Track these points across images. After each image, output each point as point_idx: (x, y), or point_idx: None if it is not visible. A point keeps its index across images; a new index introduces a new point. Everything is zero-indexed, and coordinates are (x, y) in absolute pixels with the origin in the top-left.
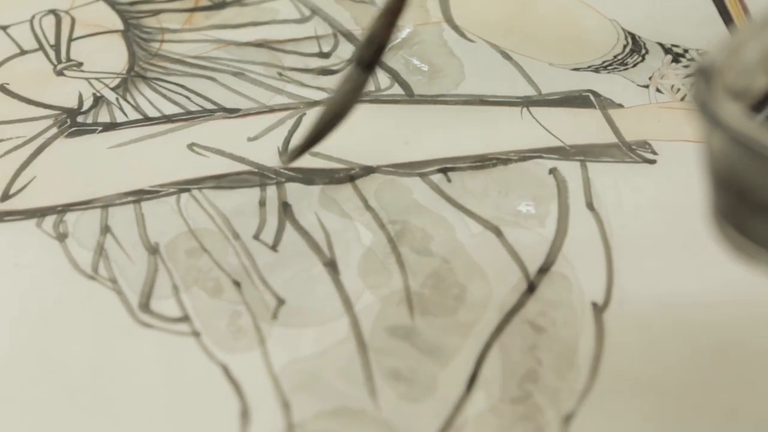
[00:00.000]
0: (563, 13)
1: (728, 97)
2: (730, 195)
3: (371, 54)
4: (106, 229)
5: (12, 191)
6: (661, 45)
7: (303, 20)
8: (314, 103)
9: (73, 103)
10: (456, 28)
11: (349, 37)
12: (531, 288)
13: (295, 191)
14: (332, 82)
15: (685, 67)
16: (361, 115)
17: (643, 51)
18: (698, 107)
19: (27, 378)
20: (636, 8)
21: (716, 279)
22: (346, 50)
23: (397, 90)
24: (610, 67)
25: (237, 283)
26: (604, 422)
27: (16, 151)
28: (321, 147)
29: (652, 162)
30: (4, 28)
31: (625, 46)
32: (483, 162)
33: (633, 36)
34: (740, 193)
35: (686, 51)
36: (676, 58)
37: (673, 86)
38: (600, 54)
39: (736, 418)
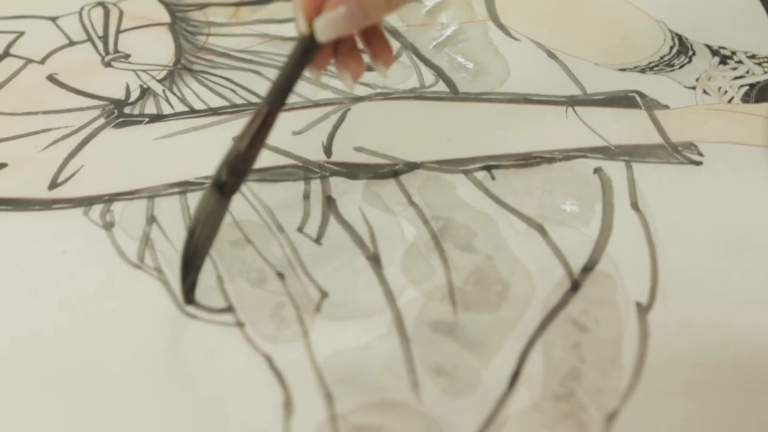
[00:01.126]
0: (609, 13)
1: None
2: None
3: (232, 178)
4: (152, 219)
5: (60, 179)
6: (709, 47)
7: None
8: (358, 99)
9: (120, 95)
10: (501, 26)
11: (393, 33)
12: (575, 286)
13: (339, 185)
14: (377, 78)
15: (733, 69)
16: (405, 111)
17: (690, 53)
18: None
19: (72, 363)
20: (683, 10)
21: (762, 281)
22: None
23: (441, 87)
24: (656, 68)
25: (281, 275)
26: (647, 422)
27: (64, 141)
28: (367, 142)
29: (698, 164)
30: (54, 19)
31: (671, 48)
32: (527, 160)
33: (680, 37)
34: None
35: (734, 53)
36: (724, 60)
37: (720, 88)
38: (646, 55)
39: None
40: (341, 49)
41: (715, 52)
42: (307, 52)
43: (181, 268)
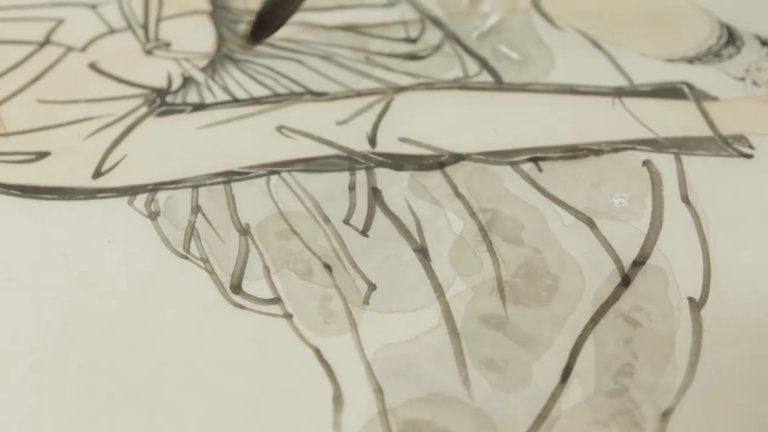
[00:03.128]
0: (656, 2)
1: None
2: None
3: None
4: (197, 209)
5: (104, 168)
6: (758, 37)
7: (390, 5)
8: (401, 89)
9: (162, 83)
10: (545, 15)
11: (436, 22)
12: (626, 281)
13: (384, 176)
14: (420, 67)
15: None
16: (449, 101)
17: (739, 43)
18: None
19: (120, 350)
20: None
21: None
22: (433, 36)
23: (485, 77)
24: (704, 59)
25: (328, 267)
26: (703, 419)
27: (107, 129)
28: (411, 133)
29: (749, 156)
30: (93, 6)
31: (719, 38)
32: (574, 152)
33: (728, 28)
34: None
35: None
36: None
37: None
38: (694, 45)
39: None
40: None
41: (764, 43)
42: None
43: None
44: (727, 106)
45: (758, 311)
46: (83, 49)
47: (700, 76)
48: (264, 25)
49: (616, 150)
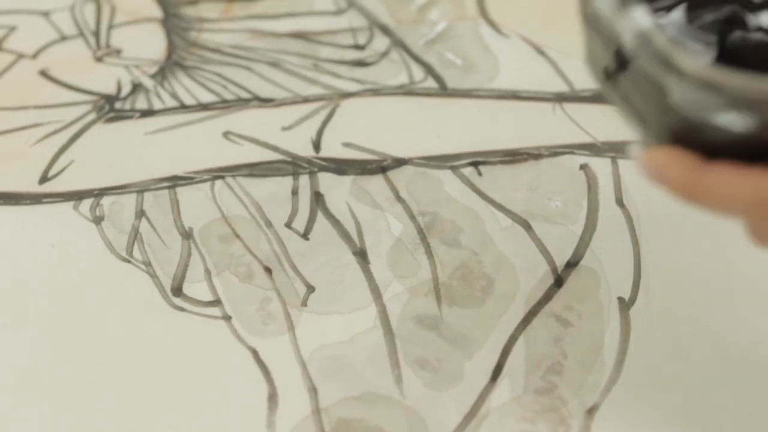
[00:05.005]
0: None
1: None
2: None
3: None
4: (141, 214)
5: (51, 174)
6: None
7: (339, 12)
8: (347, 95)
9: (111, 90)
10: (491, 23)
11: (384, 30)
12: (558, 282)
13: (327, 181)
14: (367, 74)
15: None
16: (394, 107)
17: None
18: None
19: (61, 354)
20: None
21: (744, 278)
22: (381, 43)
23: (431, 83)
24: None
25: (268, 270)
26: (627, 416)
27: (56, 135)
28: (355, 138)
29: None
30: (46, 14)
31: None
32: (514, 156)
33: None
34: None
35: None
36: None
37: None
38: None
39: (761, 417)
40: None
41: None
42: None
43: None
44: None
45: (685, 311)
46: (34, 56)
47: None
48: None
49: (555, 154)
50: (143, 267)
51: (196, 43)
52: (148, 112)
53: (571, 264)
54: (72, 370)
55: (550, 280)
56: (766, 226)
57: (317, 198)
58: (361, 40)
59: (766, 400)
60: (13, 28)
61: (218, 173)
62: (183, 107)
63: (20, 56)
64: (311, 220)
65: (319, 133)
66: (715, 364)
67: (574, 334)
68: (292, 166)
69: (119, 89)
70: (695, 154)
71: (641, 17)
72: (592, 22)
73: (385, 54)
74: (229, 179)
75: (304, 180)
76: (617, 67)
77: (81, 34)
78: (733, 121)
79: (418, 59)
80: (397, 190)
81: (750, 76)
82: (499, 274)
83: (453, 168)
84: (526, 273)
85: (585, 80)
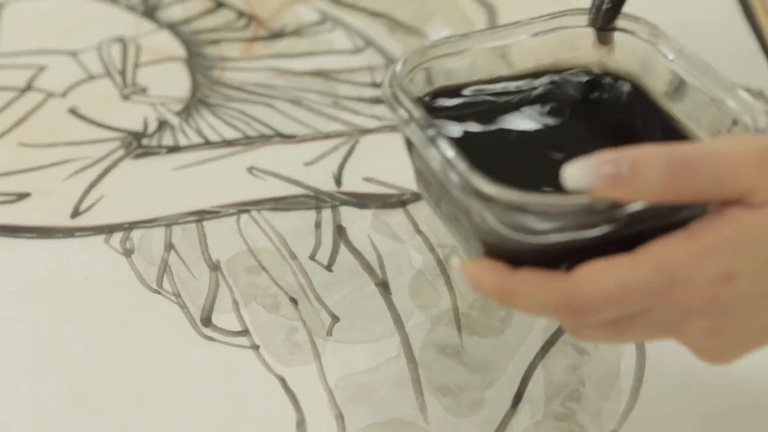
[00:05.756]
0: None
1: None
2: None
3: None
4: (170, 246)
5: (82, 208)
6: None
7: (357, 51)
8: (366, 131)
9: (138, 127)
10: None
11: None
12: None
13: (349, 214)
14: (385, 111)
15: None
16: None
17: None
18: (384, 85)
19: (95, 383)
20: None
21: None
22: None
23: None
24: None
25: (294, 300)
26: None
27: (86, 171)
28: (375, 173)
29: None
30: (74, 54)
31: None
32: None
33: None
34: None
35: None
36: None
37: None
38: None
39: None
40: None
41: None
42: None
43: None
44: None
45: None
46: (63, 94)
47: None
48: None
49: None
50: (173, 298)
51: (219, 82)
52: (174, 149)
53: None
54: (106, 399)
55: None
56: (574, 324)
57: (340, 231)
58: (379, 78)
59: None
60: (42, 68)
61: (243, 207)
62: (208, 143)
63: (50, 95)
64: (334, 252)
65: (340, 168)
66: (730, 393)
67: (591, 362)
68: (315, 200)
69: (146, 126)
70: (504, 263)
71: (445, 147)
72: (413, 151)
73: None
74: (254, 213)
75: (326, 214)
76: (437, 189)
77: (108, 73)
78: (529, 236)
79: None
80: (417, 223)
81: (534, 195)
82: None
83: None
84: None
85: None
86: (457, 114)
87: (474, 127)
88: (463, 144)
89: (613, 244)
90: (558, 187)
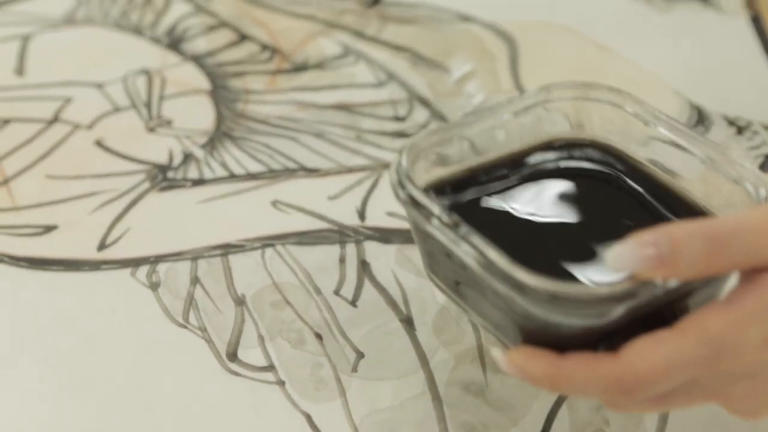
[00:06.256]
0: (630, 83)
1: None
2: (423, 246)
3: None
4: (195, 280)
5: (108, 241)
6: (725, 117)
7: (379, 85)
8: (389, 165)
9: (164, 159)
10: None
11: (424, 102)
12: None
13: (373, 249)
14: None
15: (749, 139)
16: None
17: (708, 122)
18: (394, 184)
19: (123, 417)
20: (701, 80)
21: None
22: (421, 115)
23: None
24: None
25: (319, 336)
26: None
27: (112, 204)
28: (399, 208)
29: None
30: (100, 86)
31: (689, 118)
32: None
33: (699, 109)
34: (424, 242)
35: (750, 123)
36: (740, 131)
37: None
38: None
39: None
40: None
41: (731, 122)
42: None
43: None
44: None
45: None
46: (90, 126)
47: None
48: None
49: None
50: (199, 332)
51: (243, 114)
52: (199, 181)
53: None
54: (134, 430)
55: None
56: (620, 401)
57: (364, 266)
58: (401, 112)
59: None
60: (68, 100)
61: (268, 241)
62: (232, 176)
63: (76, 127)
64: (359, 287)
65: (364, 202)
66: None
67: None
68: (339, 234)
69: (171, 159)
70: (548, 349)
71: (481, 245)
72: (429, 241)
73: (424, 126)
74: (279, 247)
75: (350, 248)
76: (464, 281)
77: (133, 105)
78: (575, 321)
79: None
80: None
81: (583, 286)
82: None
83: None
84: None
85: None
86: (466, 201)
87: (488, 213)
88: (485, 232)
89: (650, 316)
90: (592, 266)
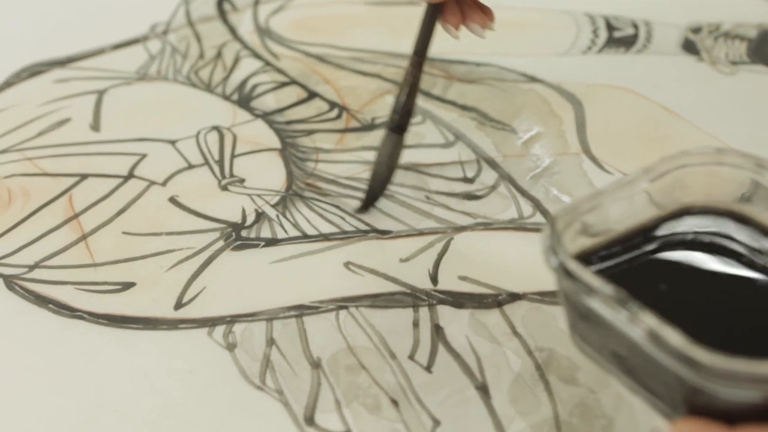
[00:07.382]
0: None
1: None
2: (574, 314)
3: (400, 119)
4: (271, 342)
5: (185, 300)
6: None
7: (447, 145)
8: (460, 228)
9: (237, 218)
10: (594, 159)
11: (491, 163)
12: None
13: (446, 314)
14: (477, 207)
15: None
16: (506, 241)
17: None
18: (546, 255)
19: None
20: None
21: None
22: (489, 176)
23: (538, 218)
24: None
25: (395, 402)
26: None
27: (187, 262)
28: (470, 272)
29: None
30: (173, 142)
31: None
32: None
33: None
34: (576, 310)
35: None
36: None
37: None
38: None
39: None
40: (464, 7)
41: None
42: (434, 11)
43: (367, 195)
44: None
45: None
46: (164, 183)
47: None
48: (373, 198)
49: None
50: (276, 395)
51: (313, 174)
52: (272, 241)
53: None
54: None
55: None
56: None
57: (437, 331)
58: (470, 173)
59: None
60: (143, 156)
61: (342, 303)
62: (305, 237)
63: (151, 183)
64: (433, 352)
65: (436, 265)
66: None
67: None
68: (412, 297)
69: (244, 218)
70: (715, 418)
71: (653, 323)
72: (584, 311)
73: (494, 187)
74: (353, 309)
75: (423, 312)
76: (623, 352)
77: (206, 162)
78: (750, 394)
79: (525, 194)
80: (514, 325)
81: (761, 363)
82: (618, 414)
83: None
84: (646, 414)
85: None
86: (614, 272)
87: (638, 285)
88: (645, 303)
89: None
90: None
